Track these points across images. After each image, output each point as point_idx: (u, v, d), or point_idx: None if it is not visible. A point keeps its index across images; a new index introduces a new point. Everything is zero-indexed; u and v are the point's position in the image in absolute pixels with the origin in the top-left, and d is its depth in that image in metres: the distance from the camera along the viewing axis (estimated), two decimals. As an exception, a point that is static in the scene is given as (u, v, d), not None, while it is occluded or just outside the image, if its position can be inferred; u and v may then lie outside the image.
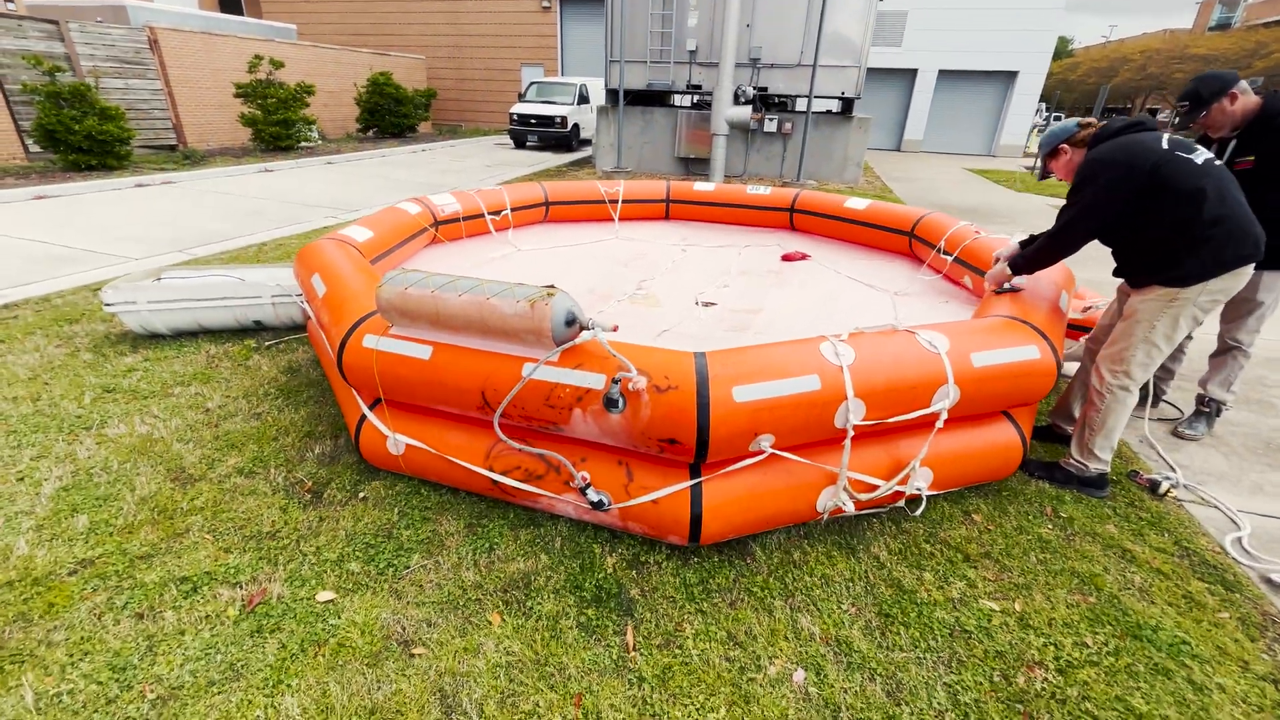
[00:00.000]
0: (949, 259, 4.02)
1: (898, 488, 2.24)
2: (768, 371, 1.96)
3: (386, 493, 2.48)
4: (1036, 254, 2.47)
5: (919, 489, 2.30)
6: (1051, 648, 1.83)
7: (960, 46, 19.78)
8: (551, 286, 2.05)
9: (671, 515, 2.06)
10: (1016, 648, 1.83)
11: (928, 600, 1.99)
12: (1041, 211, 9.78)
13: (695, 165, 12.26)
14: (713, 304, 4.06)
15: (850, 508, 2.17)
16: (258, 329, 4.07)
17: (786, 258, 4.98)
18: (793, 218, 5.63)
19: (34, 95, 9.30)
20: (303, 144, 13.99)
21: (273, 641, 1.79)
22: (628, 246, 5.21)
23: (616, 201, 5.80)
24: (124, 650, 1.75)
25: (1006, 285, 2.74)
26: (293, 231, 7.01)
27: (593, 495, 2.10)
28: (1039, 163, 2.57)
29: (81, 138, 9.42)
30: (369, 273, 3.03)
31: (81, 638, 1.79)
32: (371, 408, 2.50)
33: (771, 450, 2.03)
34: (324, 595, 1.96)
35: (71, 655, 1.73)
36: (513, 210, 5.23)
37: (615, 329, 1.99)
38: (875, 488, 2.23)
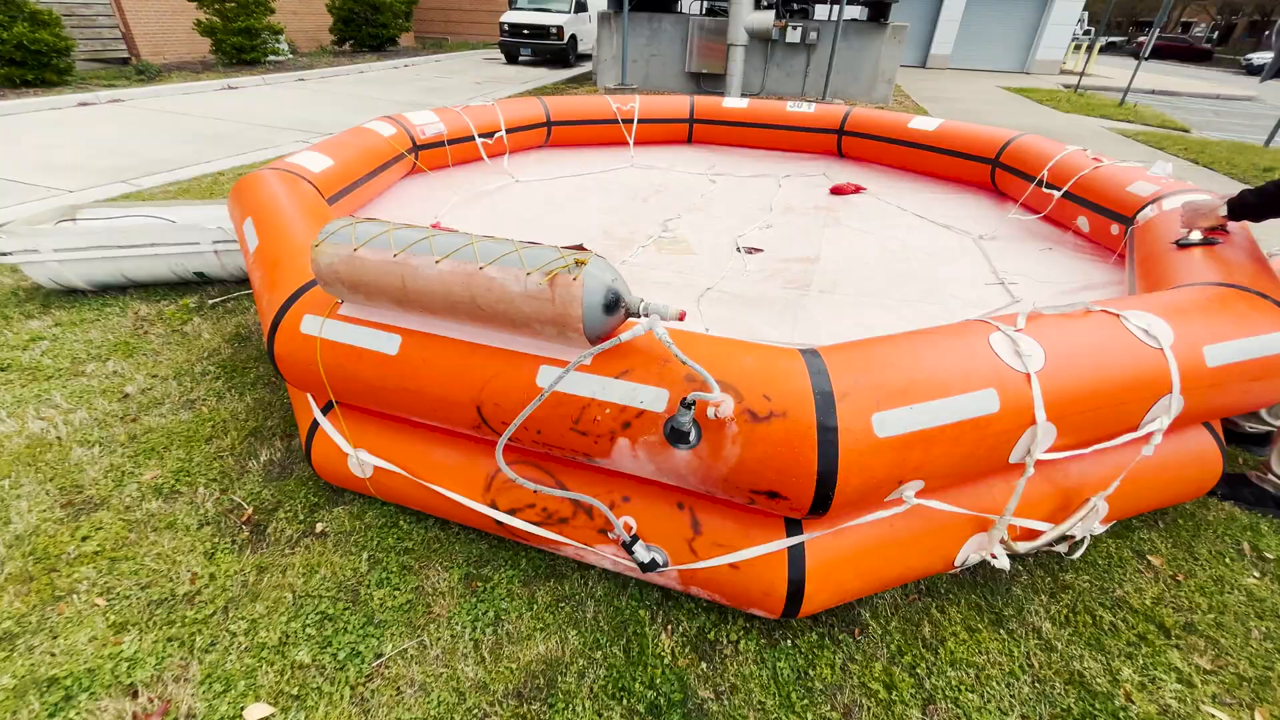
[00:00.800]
0: (1056, 194, 3.23)
1: (1070, 532, 1.60)
2: (922, 386, 1.26)
3: (352, 525, 1.83)
4: None
5: (1090, 530, 1.65)
6: (1345, 805, 1.24)
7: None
8: (581, 248, 1.32)
9: (760, 584, 1.42)
10: (1288, 802, 1.24)
11: (1133, 713, 1.38)
12: (1098, 135, 8.74)
13: (708, 81, 11.02)
14: (757, 250, 3.31)
15: (1005, 563, 1.53)
16: (201, 282, 3.32)
17: (836, 190, 4.17)
18: (841, 141, 4.75)
19: (-51, -5, 8.04)
20: (270, 58, 12.56)
21: (171, 803, 1.18)
22: (646, 176, 4.37)
23: (631, 121, 4.88)
24: (-60, 824, 1.14)
25: (1196, 236, 2.00)
26: (257, 159, 6.08)
27: (641, 554, 1.45)
28: (1275, 58, 1.77)
29: (12, 47, 8.22)
30: (323, 218, 2.27)
31: (-117, 794, 1.17)
32: (326, 411, 1.82)
33: (916, 500, 1.36)
34: (255, 711, 1.34)
35: None
36: (508, 132, 4.34)
37: (682, 317, 1.27)
38: (1037, 532, 1.59)
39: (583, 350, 1.34)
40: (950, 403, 1.25)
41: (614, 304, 1.28)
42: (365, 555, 1.73)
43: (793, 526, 1.42)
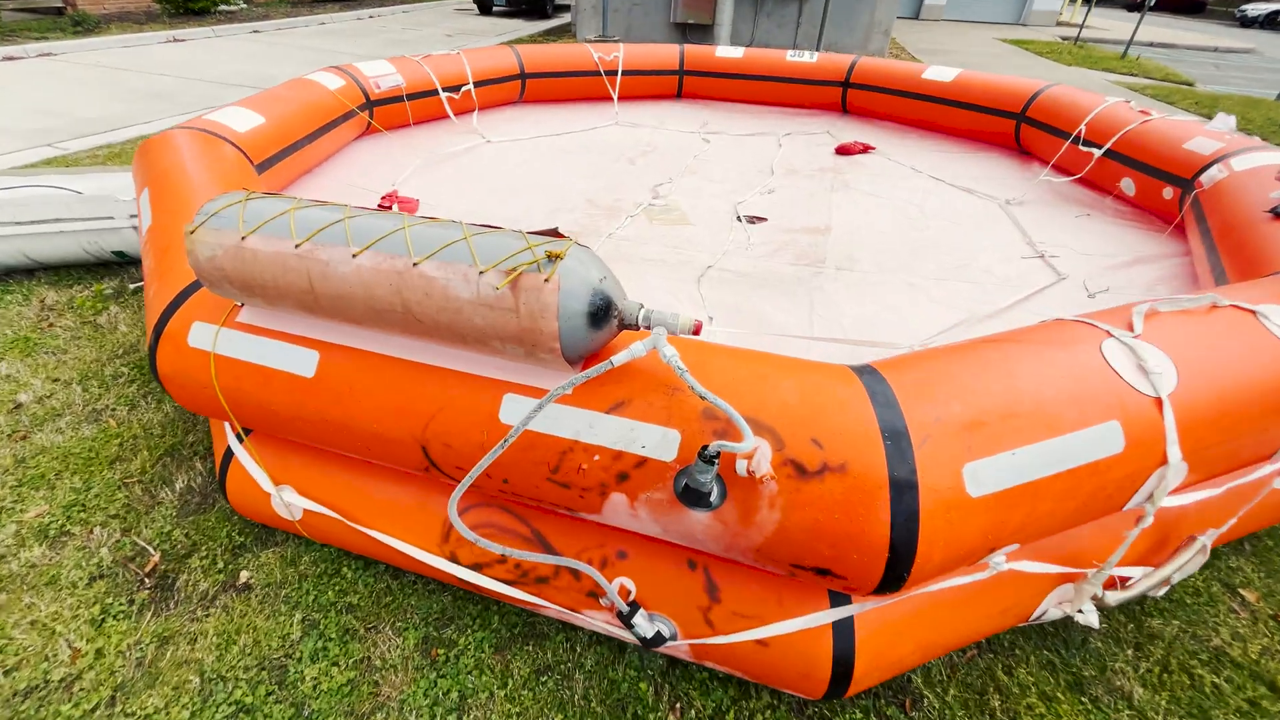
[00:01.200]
0: (1096, 153, 2.87)
1: (1171, 575, 1.30)
2: (1026, 420, 0.92)
3: (284, 574, 1.49)
4: None
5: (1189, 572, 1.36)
6: None
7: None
8: (556, 234, 0.95)
9: (796, 664, 1.11)
10: None
11: (1266, 816, 1.11)
12: (1106, 89, 8.33)
13: (694, 33, 10.37)
14: (761, 219, 2.94)
15: (1093, 619, 1.24)
16: (121, 263, 2.88)
17: (843, 150, 3.78)
18: (846, 95, 4.32)
19: None
20: (221, 7, 11.62)
21: None
22: (633, 135, 3.94)
23: (615, 73, 4.40)
24: None
25: (1299, 203, 1.67)
26: (199, 118, 5.49)
27: (643, 627, 1.12)
28: None
29: (-78, -6, 7.39)
30: (247, 188, 1.85)
31: None
32: (242, 437, 1.45)
33: (1007, 566, 1.05)
34: None
35: None
36: (476, 85, 3.86)
37: (698, 330, 0.92)
38: (1127, 578, 1.29)
39: (562, 375, 0.98)
40: (1063, 443, 0.92)
41: (603, 312, 0.92)
42: (298, 616, 1.39)
43: (838, 596, 1.10)
